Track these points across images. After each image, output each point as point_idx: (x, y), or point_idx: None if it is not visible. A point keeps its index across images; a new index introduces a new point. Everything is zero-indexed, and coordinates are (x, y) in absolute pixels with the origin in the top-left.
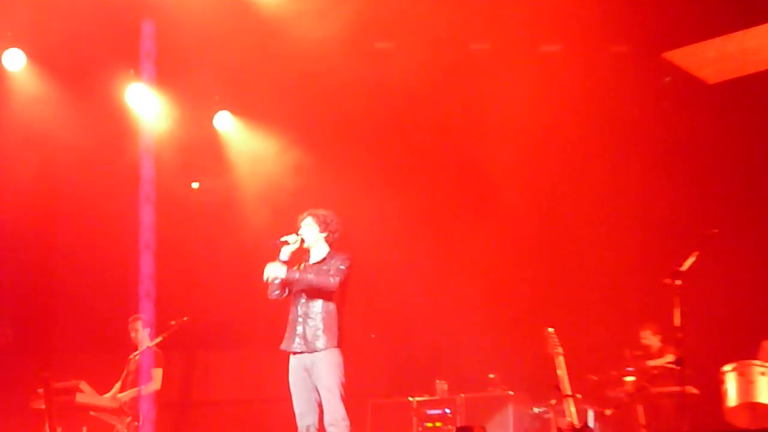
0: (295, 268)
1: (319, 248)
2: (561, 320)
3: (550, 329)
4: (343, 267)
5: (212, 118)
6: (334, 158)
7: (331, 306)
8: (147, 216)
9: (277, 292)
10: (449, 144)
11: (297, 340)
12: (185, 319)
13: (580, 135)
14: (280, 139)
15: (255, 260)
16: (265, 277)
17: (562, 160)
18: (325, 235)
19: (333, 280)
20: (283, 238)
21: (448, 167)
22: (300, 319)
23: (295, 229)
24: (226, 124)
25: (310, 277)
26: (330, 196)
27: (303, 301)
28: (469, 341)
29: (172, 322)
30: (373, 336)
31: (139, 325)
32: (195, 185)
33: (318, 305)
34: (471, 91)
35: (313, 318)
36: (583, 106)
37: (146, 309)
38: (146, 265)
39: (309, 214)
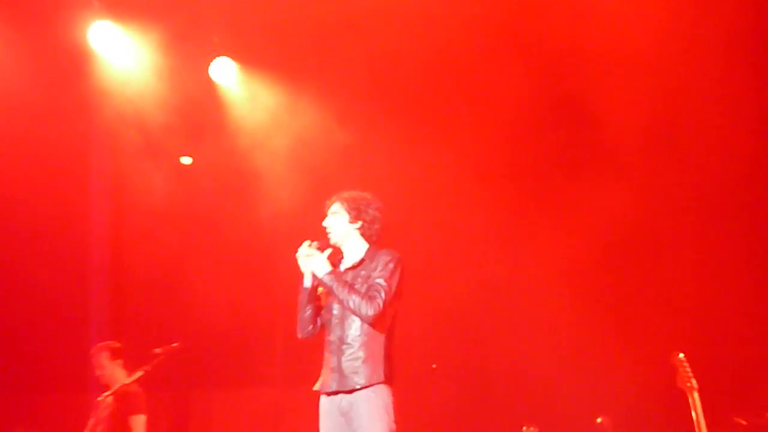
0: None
1: (352, 246)
2: (694, 341)
3: (681, 355)
4: (384, 279)
5: (208, 67)
6: (377, 120)
7: (376, 325)
8: (118, 204)
9: (310, 327)
10: (536, 86)
11: (332, 375)
12: (175, 345)
13: (727, 66)
14: (300, 93)
15: (270, 263)
16: (303, 268)
17: (698, 101)
18: (358, 226)
19: (368, 309)
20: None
21: (536, 125)
22: (333, 346)
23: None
24: (226, 74)
25: (346, 294)
26: (372, 174)
27: (335, 321)
28: (566, 372)
29: (157, 350)
30: (434, 366)
31: (105, 357)
32: (186, 160)
33: (356, 325)
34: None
35: (351, 343)
36: (737, 25)
37: (117, 333)
38: (118, 271)
39: (336, 199)
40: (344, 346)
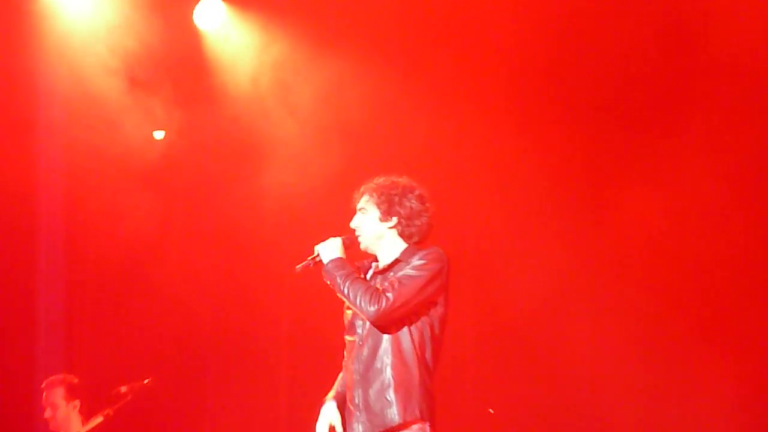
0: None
1: (388, 250)
2: None
3: None
4: (407, 274)
5: (191, 12)
6: (413, 73)
7: (408, 349)
8: (69, 194)
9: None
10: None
11: (356, 415)
12: (146, 381)
13: None
14: (308, 41)
15: (276, 256)
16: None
17: None
18: (391, 224)
19: (371, 304)
20: (303, 263)
21: (628, 63)
22: (356, 376)
23: (348, 220)
24: (214, 19)
25: (348, 284)
26: (405, 141)
27: (358, 340)
28: (662, 409)
29: (123, 389)
30: (491, 411)
31: (59, 395)
32: (159, 135)
33: (385, 345)
34: None
35: (378, 371)
36: None
37: (66, 361)
38: (72, 270)
39: (364, 191)
40: (370, 374)
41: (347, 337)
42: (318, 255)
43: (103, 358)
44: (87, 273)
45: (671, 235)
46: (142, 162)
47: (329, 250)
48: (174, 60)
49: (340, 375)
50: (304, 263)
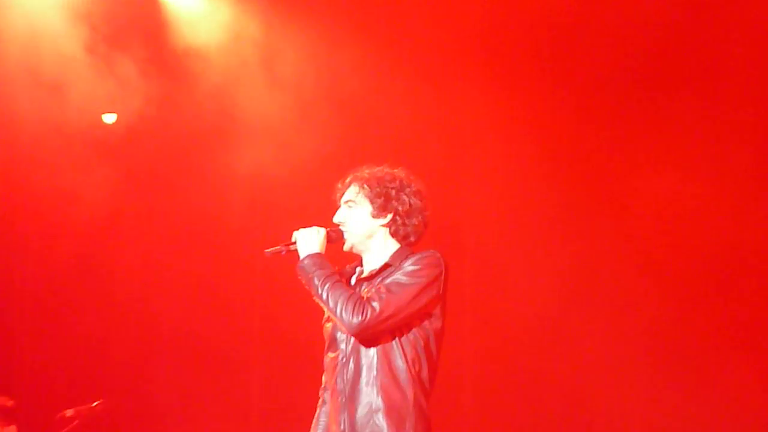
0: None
1: (377, 248)
2: None
3: None
4: (397, 281)
5: None
6: (418, 47)
7: (401, 366)
8: (8, 171)
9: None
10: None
11: None
12: (96, 404)
13: None
14: (283, 12)
15: (243, 264)
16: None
17: None
18: (385, 221)
19: (353, 314)
20: (275, 248)
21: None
22: (341, 398)
23: (333, 210)
24: None
25: (327, 288)
26: (392, 125)
27: (342, 356)
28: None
29: (69, 413)
30: None
31: None
32: (109, 118)
33: (371, 361)
34: None
35: (366, 392)
36: None
37: (5, 383)
38: (1, 282)
39: (352, 182)
40: (357, 395)
41: (329, 354)
42: (295, 243)
43: (45, 375)
44: (27, 267)
45: (693, 229)
46: (98, 135)
47: (309, 241)
48: (138, 18)
49: (317, 414)
50: (275, 248)
